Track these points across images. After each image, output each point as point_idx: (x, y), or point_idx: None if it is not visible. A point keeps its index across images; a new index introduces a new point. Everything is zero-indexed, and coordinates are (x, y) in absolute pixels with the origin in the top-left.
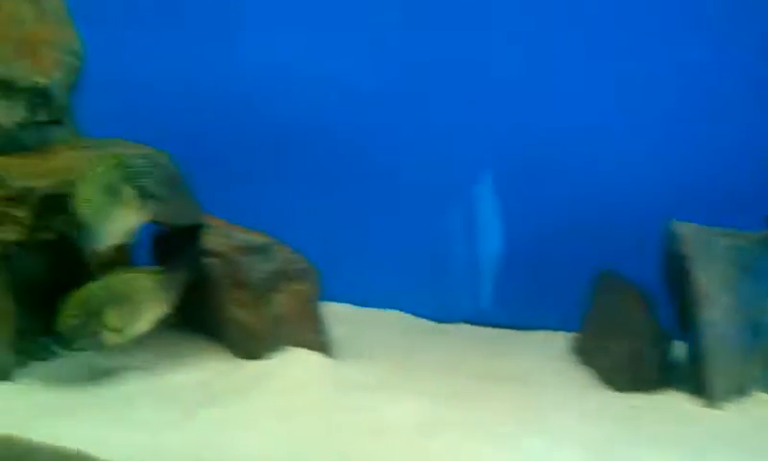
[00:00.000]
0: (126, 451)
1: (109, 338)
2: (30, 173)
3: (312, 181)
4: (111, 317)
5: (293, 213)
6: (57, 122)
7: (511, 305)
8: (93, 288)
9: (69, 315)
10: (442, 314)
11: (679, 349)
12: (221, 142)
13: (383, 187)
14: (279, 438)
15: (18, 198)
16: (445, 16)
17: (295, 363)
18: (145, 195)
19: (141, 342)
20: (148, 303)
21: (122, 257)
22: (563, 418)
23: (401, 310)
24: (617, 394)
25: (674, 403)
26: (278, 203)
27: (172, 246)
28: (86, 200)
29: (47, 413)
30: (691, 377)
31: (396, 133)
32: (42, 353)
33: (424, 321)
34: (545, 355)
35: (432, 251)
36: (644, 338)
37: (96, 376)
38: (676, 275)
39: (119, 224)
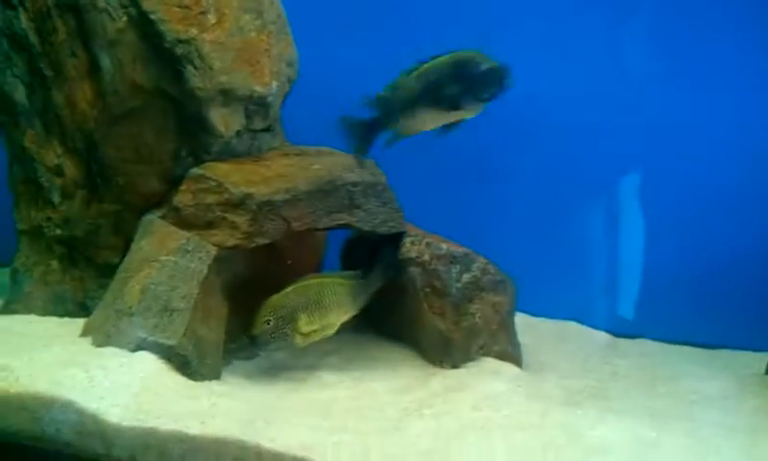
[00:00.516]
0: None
1: (299, 340)
2: (247, 180)
3: (498, 197)
4: (301, 322)
5: (480, 225)
6: (269, 130)
7: (692, 322)
8: (287, 294)
9: (263, 320)
10: (620, 327)
11: None
12: (417, 157)
13: (567, 204)
14: (497, 455)
15: (237, 204)
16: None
17: (491, 374)
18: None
19: (337, 344)
20: (338, 308)
21: (316, 262)
22: None
23: (579, 322)
24: None
25: None
26: (465, 215)
27: (370, 251)
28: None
29: (260, 416)
30: None
31: (582, 157)
32: (244, 352)
33: (603, 334)
34: (739, 375)
35: (612, 264)
36: None
37: (297, 377)
38: None
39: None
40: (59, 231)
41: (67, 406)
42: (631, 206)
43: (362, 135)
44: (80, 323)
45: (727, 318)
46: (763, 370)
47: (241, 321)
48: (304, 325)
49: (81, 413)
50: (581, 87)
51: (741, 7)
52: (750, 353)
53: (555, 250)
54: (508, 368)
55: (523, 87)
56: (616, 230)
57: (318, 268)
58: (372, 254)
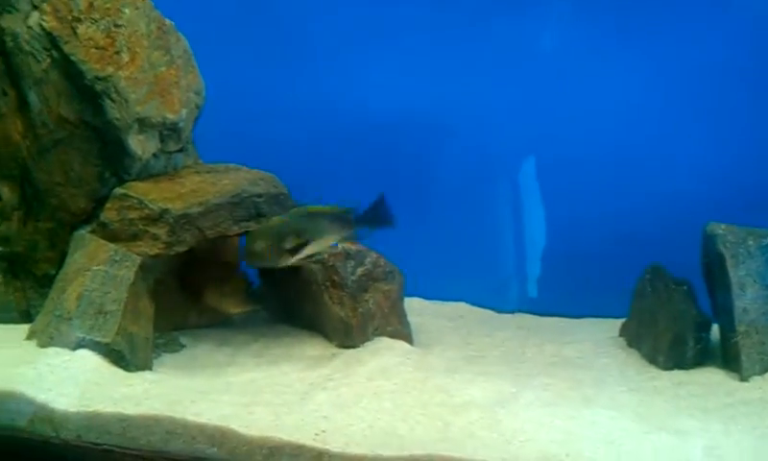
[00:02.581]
0: (258, 428)
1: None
2: (164, 197)
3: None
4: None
5: None
6: (182, 150)
7: (564, 295)
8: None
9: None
10: (501, 305)
11: (715, 333)
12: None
13: (449, 197)
14: (382, 414)
15: (156, 218)
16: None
17: (385, 350)
18: (258, 215)
19: (255, 336)
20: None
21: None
22: (617, 392)
23: (466, 302)
24: (662, 372)
25: (710, 379)
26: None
27: None
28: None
29: (187, 397)
30: (725, 357)
31: (461, 145)
32: (173, 346)
33: (488, 311)
34: (597, 339)
35: (495, 248)
36: (686, 323)
37: (219, 365)
38: (713, 269)
39: None
40: (0, 249)
41: (20, 398)
42: (509, 191)
43: None
44: (24, 328)
45: (591, 291)
46: (617, 333)
47: (167, 319)
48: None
49: (32, 403)
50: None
51: None
52: (610, 320)
53: (445, 238)
54: (399, 345)
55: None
56: (499, 218)
57: (236, 267)
58: None
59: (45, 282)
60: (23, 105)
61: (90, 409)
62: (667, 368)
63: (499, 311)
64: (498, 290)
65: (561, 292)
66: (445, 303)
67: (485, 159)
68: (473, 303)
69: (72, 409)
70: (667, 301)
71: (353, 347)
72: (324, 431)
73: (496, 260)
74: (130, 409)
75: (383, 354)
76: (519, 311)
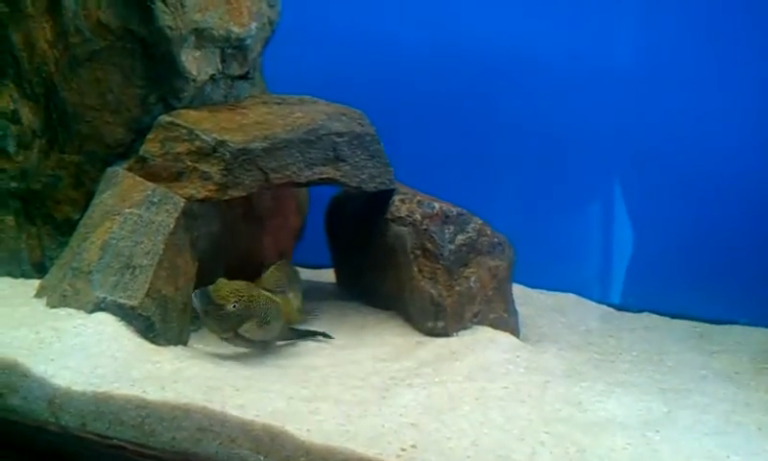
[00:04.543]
0: (322, 433)
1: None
2: (221, 127)
3: (498, 162)
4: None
5: (474, 193)
6: (247, 77)
7: (700, 296)
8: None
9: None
10: (623, 301)
11: None
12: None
13: (569, 175)
14: (490, 428)
15: (209, 152)
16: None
17: (486, 343)
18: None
19: (319, 311)
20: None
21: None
22: None
23: (578, 294)
24: None
25: None
26: (461, 181)
27: (356, 210)
28: None
29: (229, 383)
30: None
31: (585, 129)
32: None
33: (604, 307)
34: (752, 352)
35: (616, 236)
36: None
37: (275, 346)
38: None
39: None
40: (14, 184)
41: (12, 368)
42: (637, 176)
43: None
44: (35, 284)
45: (737, 294)
46: None
47: (212, 283)
48: (248, 329)
49: (26, 376)
50: (592, 63)
51: None
52: (763, 329)
53: (554, 220)
54: (504, 337)
55: (536, 52)
56: (620, 202)
57: (300, 231)
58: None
59: (66, 229)
60: (54, 6)
61: (101, 390)
62: None
63: (618, 308)
64: (619, 283)
65: (696, 292)
66: (552, 292)
67: (611, 136)
68: (586, 296)
69: (77, 387)
70: None
71: (445, 335)
72: (413, 446)
73: (618, 248)
74: (153, 394)
75: (485, 347)
76: (645, 311)
